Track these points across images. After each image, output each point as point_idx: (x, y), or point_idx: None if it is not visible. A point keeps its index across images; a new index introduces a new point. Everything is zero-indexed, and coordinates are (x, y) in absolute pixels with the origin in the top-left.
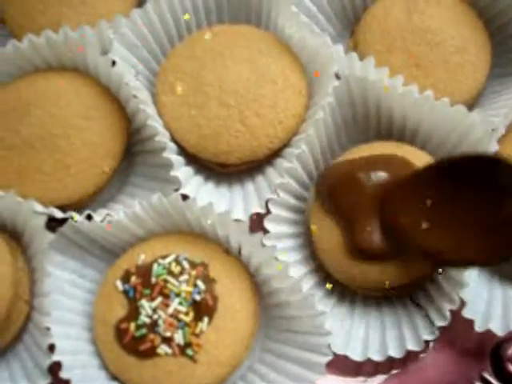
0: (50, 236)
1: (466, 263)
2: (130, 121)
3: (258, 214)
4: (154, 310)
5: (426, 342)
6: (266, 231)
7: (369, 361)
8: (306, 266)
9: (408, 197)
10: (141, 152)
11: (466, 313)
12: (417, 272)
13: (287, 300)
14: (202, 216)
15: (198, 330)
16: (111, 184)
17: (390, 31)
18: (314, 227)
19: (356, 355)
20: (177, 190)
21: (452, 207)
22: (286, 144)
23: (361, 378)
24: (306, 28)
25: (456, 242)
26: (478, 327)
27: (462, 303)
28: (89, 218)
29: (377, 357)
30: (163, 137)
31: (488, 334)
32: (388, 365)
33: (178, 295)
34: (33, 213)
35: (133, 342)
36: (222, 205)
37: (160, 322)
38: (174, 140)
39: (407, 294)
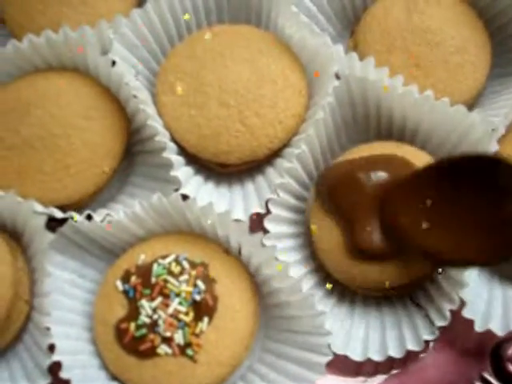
0: (50, 236)
1: (466, 263)
2: (130, 121)
3: (257, 214)
4: (154, 310)
5: (426, 342)
6: (265, 231)
7: (369, 361)
8: (306, 265)
9: (408, 197)
10: (141, 152)
11: (466, 313)
12: (417, 272)
13: (287, 300)
14: (202, 216)
15: (198, 330)
16: (111, 184)
17: (390, 31)
18: (313, 227)
19: (356, 355)
20: (177, 190)
21: (452, 207)
22: (286, 144)
23: (361, 378)
24: (306, 28)
25: (456, 242)
26: (478, 327)
27: (462, 303)
28: (89, 218)
29: (377, 357)
30: (163, 137)
31: (488, 334)
32: (388, 365)
33: (178, 295)
34: (33, 213)
35: (133, 341)
36: (222, 205)
37: (160, 322)
38: (174, 140)
39: (407, 293)
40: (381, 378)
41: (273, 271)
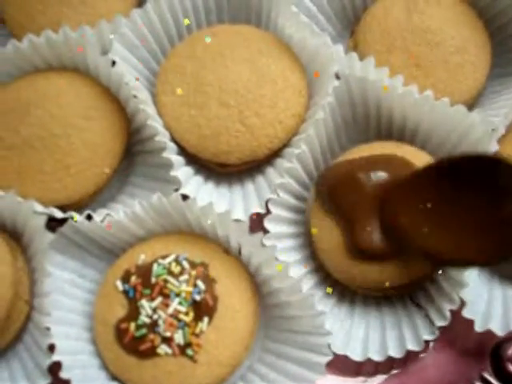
0: (50, 236)
1: (466, 263)
2: (130, 121)
3: (257, 214)
4: (154, 310)
5: (426, 342)
6: (265, 231)
7: (369, 361)
8: (306, 265)
9: (408, 196)
10: (141, 152)
11: (466, 313)
12: (417, 272)
13: (287, 300)
14: (202, 216)
15: (198, 330)
16: (111, 184)
17: (390, 31)
18: (314, 228)
19: (356, 355)
20: (177, 190)
21: (452, 207)
22: (286, 144)
23: (361, 378)
24: (306, 28)
25: (456, 242)
26: (478, 327)
27: (462, 303)
28: (89, 218)
29: (377, 357)
30: (163, 137)
31: (488, 333)
32: (388, 365)
33: (178, 295)
34: (33, 213)
35: (133, 341)
36: (222, 205)
37: (160, 322)
38: (173, 140)
39: (407, 293)
40: (381, 378)
41: (273, 271)
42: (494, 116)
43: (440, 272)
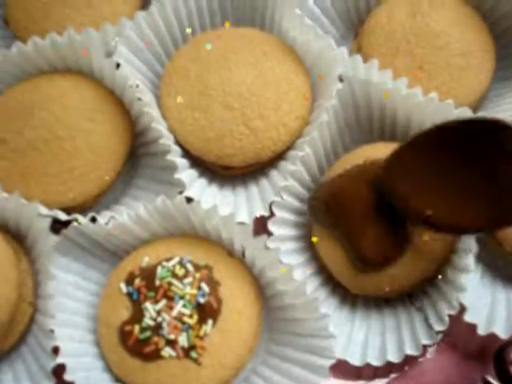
0: (54, 238)
1: (465, 229)
2: (134, 123)
3: (261, 217)
4: (158, 313)
5: (429, 345)
6: (269, 234)
7: (369, 365)
8: (309, 267)
9: (407, 164)
10: (145, 154)
11: (468, 317)
12: (418, 275)
13: (291, 303)
14: (206, 219)
15: (202, 333)
16: (115, 186)
17: (394, 34)
18: (314, 237)
19: (355, 360)
20: (181, 192)
21: (451, 173)
22: (290, 147)
23: (364, 381)
24: (309, 30)
25: (455, 208)
26: (482, 331)
27: (464, 307)
28: (93, 220)
29: (375, 362)
30: (167, 139)
31: (491, 337)
32: (391, 368)
33: (182, 298)
34: (37, 215)
35: (137, 344)
36: (226, 207)
37: (164, 324)
38: (178, 143)
39: (408, 296)
40: (384, 381)
41: (277, 274)
42: None
43: (440, 276)
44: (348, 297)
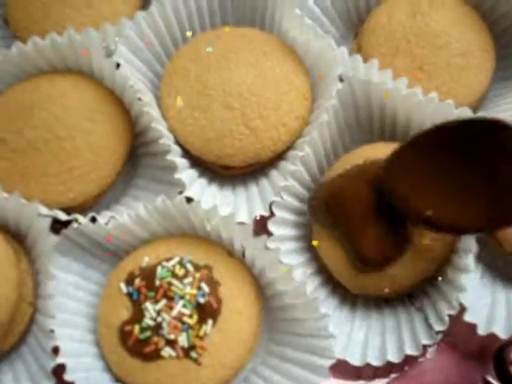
0: (54, 238)
1: (465, 229)
2: (134, 123)
3: (261, 217)
4: (158, 313)
5: (429, 345)
6: (269, 234)
7: (369, 365)
8: (309, 267)
9: (408, 164)
10: (145, 154)
11: (468, 317)
12: (418, 275)
13: (291, 303)
14: (206, 219)
15: (202, 333)
16: (115, 186)
17: (394, 34)
18: (315, 239)
19: (355, 360)
20: (181, 192)
21: (451, 172)
22: (290, 147)
23: (364, 381)
24: (309, 30)
25: (455, 208)
26: (482, 331)
27: (464, 307)
28: (93, 220)
29: (375, 362)
30: (167, 139)
31: (491, 337)
32: (392, 367)
33: (182, 298)
34: (37, 215)
35: (137, 344)
36: (226, 207)
37: (164, 324)
38: (178, 143)
39: (407, 296)
40: (384, 381)
41: (277, 274)
42: None
43: (440, 278)
44: (348, 297)
